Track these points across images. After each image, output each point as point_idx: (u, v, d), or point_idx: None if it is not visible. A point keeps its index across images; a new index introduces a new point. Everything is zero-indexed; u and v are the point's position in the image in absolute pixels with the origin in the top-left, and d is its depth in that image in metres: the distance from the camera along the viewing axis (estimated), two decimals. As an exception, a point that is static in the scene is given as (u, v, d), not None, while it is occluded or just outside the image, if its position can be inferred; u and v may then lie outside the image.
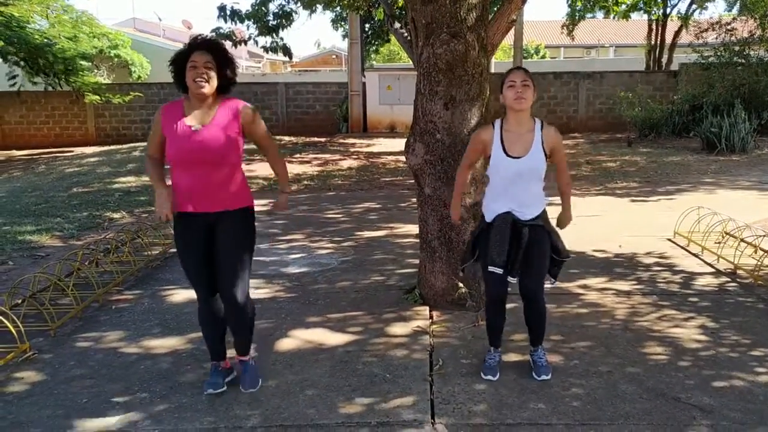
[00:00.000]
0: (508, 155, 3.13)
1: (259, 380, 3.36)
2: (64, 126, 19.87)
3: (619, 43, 35.62)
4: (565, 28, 20.44)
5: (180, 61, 2.99)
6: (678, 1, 20.14)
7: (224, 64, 3.01)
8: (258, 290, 4.85)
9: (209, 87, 2.95)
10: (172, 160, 3.01)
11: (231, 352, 3.44)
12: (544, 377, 3.33)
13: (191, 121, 2.99)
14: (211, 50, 2.98)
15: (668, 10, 20.00)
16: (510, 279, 3.19)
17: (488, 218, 3.26)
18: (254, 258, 3.31)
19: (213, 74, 2.95)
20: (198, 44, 2.98)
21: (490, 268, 3.16)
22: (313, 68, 35.30)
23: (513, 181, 3.15)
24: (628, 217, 7.45)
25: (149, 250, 6.05)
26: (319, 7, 11.44)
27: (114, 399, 3.25)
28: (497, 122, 3.23)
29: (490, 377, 3.34)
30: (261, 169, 12.41)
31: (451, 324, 4.15)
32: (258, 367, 3.44)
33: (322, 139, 17.45)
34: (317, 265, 5.67)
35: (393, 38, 19.23)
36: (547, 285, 3.40)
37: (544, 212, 3.25)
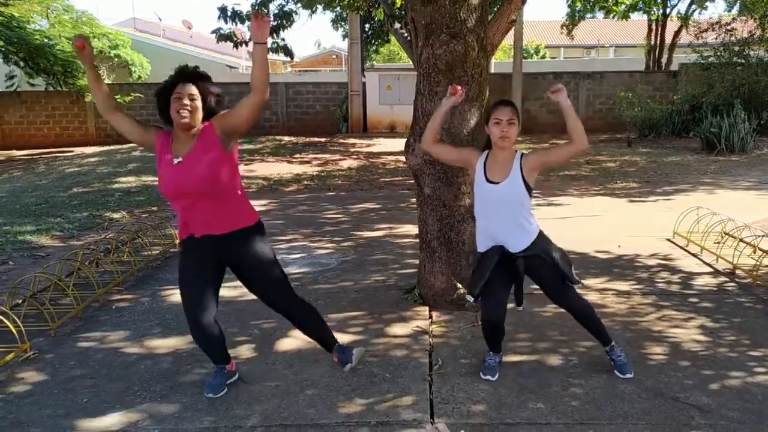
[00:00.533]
0: (488, 180, 3.20)
1: (353, 355, 3.45)
2: (65, 126, 19.89)
3: (618, 43, 35.59)
4: (564, 28, 20.45)
5: (165, 94, 2.95)
6: (678, 1, 20.19)
7: (208, 94, 2.98)
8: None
9: (193, 118, 2.90)
10: (163, 194, 3.02)
11: (234, 352, 3.45)
12: (628, 375, 3.32)
13: (173, 153, 2.95)
14: (194, 81, 2.94)
15: (668, 10, 20.02)
16: (518, 308, 3.35)
17: (479, 248, 3.33)
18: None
19: (198, 105, 2.91)
20: (182, 76, 2.94)
21: (467, 296, 3.30)
22: (313, 68, 35.29)
23: (494, 207, 3.20)
24: (627, 218, 7.46)
25: (149, 250, 6.07)
26: (320, 8, 11.43)
27: (114, 399, 3.25)
28: (484, 153, 3.30)
29: (489, 377, 3.35)
30: (261, 168, 12.44)
31: (450, 324, 4.16)
32: (347, 347, 3.53)
33: (322, 139, 17.46)
34: (317, 265, 5.68)
35: (393, 38, 19.23)
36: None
37: (539, 240, 3.23)
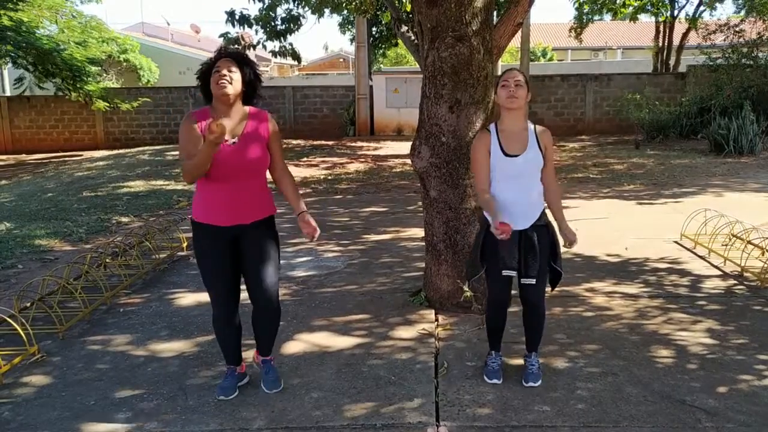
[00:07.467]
0: (506, 155, 3.13)
1: (281, 381, 3.38)
2: (74, 130, 20.02)
3: (626, 45, 35.51)
4: (573, 31, 20.41)
5: (206, 73, 3.06)
6: (686, 3, 20.06)
7: (247, 68, 3.08)
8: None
9: (232, 88, 2.99)
10: (218, 174, 3.01)
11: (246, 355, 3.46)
12: (531, 384, 3.29)
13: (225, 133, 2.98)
14: (234, 58, 3.06)
15: (676, 11, 19.95)
16: (528, 281, 3.19)
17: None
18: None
19: (236, 77, 3.00)
20: (222, 54, 3.07)
21: (505, 272, 3.17)
22: (320, 71, 35.40)
23: (513, 179, 3.14)
24: (635, 220, 7.43)
25: (157, 253, 6.09)
26: (327, 11, 11.47)
27: (121, 401, 3.27)
28: (492, 126, 3.24)
29: (495, 380, 3.34)
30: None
31: (456, 327, 4.16)
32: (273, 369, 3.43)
33: (330, 143, 17.50)
34: (323, 269, 5.69)
35: (400, 42, 19.27)
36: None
37: (545, 212, 3.23)
